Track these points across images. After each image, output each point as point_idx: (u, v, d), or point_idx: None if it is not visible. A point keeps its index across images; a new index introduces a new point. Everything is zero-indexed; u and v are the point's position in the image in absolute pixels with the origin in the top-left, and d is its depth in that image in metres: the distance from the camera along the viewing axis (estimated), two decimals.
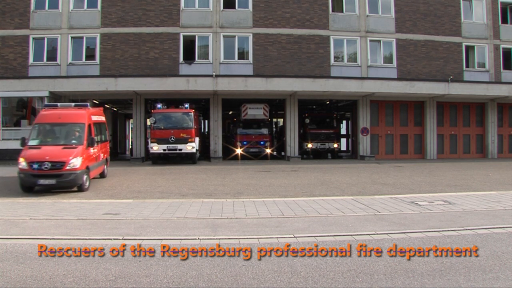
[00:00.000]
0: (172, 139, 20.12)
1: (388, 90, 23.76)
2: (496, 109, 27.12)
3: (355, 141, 26.79)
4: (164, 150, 20.31)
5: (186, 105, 21.20)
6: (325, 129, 26.77)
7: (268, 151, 24.73)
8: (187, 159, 21.37)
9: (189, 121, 20.66)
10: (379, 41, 25.91)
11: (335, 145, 26.83)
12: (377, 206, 9.43)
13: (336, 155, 27.13)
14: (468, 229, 7.23)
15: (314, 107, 32.19)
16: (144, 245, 6.43)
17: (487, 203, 9.80)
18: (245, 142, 24.74)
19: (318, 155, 26.57)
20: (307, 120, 26.67)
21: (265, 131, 25.49)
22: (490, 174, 16.65)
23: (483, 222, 7.79)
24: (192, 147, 20.32)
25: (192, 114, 20.92)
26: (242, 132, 25.26)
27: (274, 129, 26.68)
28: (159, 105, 21.19)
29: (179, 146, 20.20)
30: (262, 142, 24.95)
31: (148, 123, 20.87)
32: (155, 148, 20.41)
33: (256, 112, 24.47)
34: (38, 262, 5.56)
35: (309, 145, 26.23)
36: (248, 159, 23.87)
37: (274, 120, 31.66)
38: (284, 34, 24.99)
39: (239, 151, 24.50)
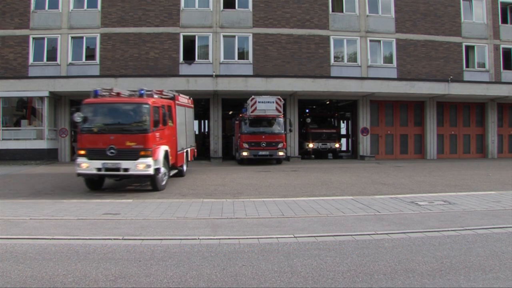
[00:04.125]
0: (112, 151, 11.54)
1: (388, 90, 23.79)
2: (496, 109, 27.15)
3: (355, 141, 26.80)
4: (99, 169, 11.66)
5: (142, 91, 12.54)
6: (327, 129, 26.75)
7: (281, 153, 21.10)
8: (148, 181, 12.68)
9: (144, 120, 11.87)
10: (379, 41, 25.91)
11: (337, 145, 26.80)
12: (377, 206, 9.43)
13: (336, 155, 27.12)
14: (468, 229, 7.23)
15: (314, 107, 32.20)
16: (144, 245, 6.43)
17: (487, 203, 9.79)
18: (253, 144, 20.81)
19: (318, 155, 26.55)
20: (308, 120, 26.60)
21: (278, 129, 21.21)
22: (490, 174, 16.64)
23: (483, 222, 7.79)
24: (146, 165, 11.59)
25: (150, 107, 11.97)
26: (250, 130, 20.98)
27: (290, 127, 22.56)
28: (97, 91, 12.73)
29: (124, 164, 11.56)
30: (274, 144, 20.90)
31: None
32: (84, 166, 11.68)
33: (267, 106, 20.41)
34: (38, 262, 5.56)
35: (310, 145, 26.19)
36: (254, 164, 20.83)
37: None
38: (284, 34, 24.99)
39: (245, 153, 20.87)
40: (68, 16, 24.31)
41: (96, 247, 6.30)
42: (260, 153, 20.89)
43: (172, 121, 14.14)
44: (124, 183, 13.83)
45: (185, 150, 15.90)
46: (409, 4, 26.19)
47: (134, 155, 11.59)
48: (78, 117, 12.08)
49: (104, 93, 12.77)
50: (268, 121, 21.33)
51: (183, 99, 16.31)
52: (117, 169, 11.67)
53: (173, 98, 14.78)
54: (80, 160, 11.81)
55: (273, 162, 21.61)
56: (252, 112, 20.39)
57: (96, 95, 12.60)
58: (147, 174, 11.79)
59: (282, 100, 20.72)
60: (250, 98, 20.52)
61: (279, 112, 20.69)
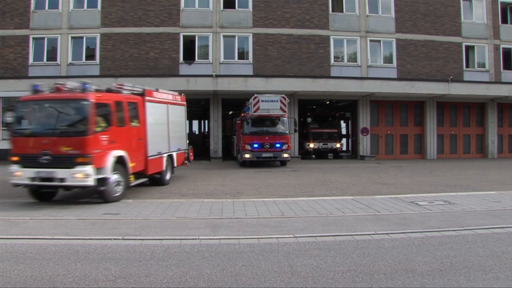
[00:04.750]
0: (46, 157, 9.57)
1: (388, 90, 23.78)
2: (496, 109, 27.15)
3: (355, 141, 26.79)
4: (33, 179, 9.74)
5: (86, 84, 10.14)
6: (328, 129, 26.69)
7: (286, 155, 19.88)
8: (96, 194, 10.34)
9: (82, 119, 9.83)
10: (379, 41, 25.91)
11: (338, 145, 26.74)
12: (377, 206, 9.43)
13: (337, 155, 27.09)
14: (468, 229, 7.23)
15: (314, 107, 32.20)
16: (144, 245, 6.43)
17: (487, 203, 9.79)
18: (255, 145, 19.54)
19: (319, 155, 26.52)
20: (309, 120, 26.55)
21: (282, 129, 20.03)
22: (490, 174, 16.64)
23: (483, 222, 7.79)
24: (85, 174, 9.56)
25: (90, 103, 9.77)
26: (252, 131, 19.75)
27: (295, 127, 21.49)
28: (37, 86, 10.57)
29: (60, 173, 9.56)
30: (278, 145, 19.70)
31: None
32: (18, 174, 9.87)
33: (271, 106, 19.23)
34: (38, 262, 5.56)
35: (311, 145, 26.14)
36: (256, 165, 19.91)
37: None
38: (284, 34, 24.99)
39: (247, 155, 19.53)
40: (68, 16, 24.31)
41: (96, 247, 6.30)
42: (264, 155, 19.62)
43: (139, 120, 11.95)
44: (82, 193, 11.60)
45: (165, 155, 13.53)
46: (409, 4, 26.19)
47: (70, 162, 9.53)
48: (9, 117, 10.50)
49: (43, 89, 10.57)
50: (272, 121, 20.14)
51: (165, 95, 14.02)
52: (52, 179, 9.63)
53: (142, 94, 12.42)
54: (13, 168, 9.91)
55: (276, 164, 20.94)
56: (255, 111, 19.22)
57: (35, 90, 10.47)
58: (86, 185, 9.71)
59: (286, 99, 19.57)
60: (253, 97, 19.42)
61: (284, 111, 19.50)
